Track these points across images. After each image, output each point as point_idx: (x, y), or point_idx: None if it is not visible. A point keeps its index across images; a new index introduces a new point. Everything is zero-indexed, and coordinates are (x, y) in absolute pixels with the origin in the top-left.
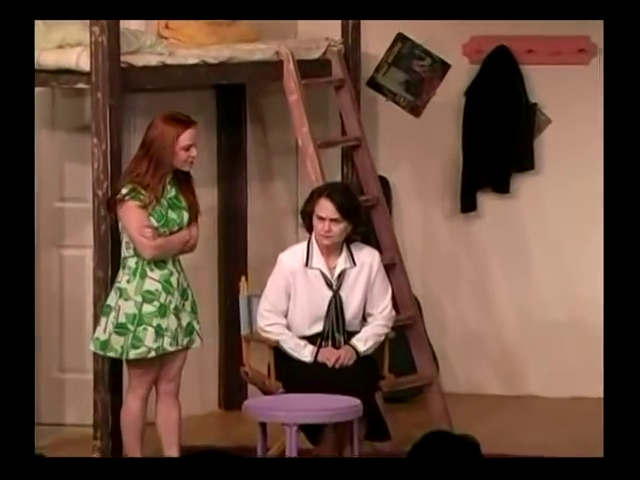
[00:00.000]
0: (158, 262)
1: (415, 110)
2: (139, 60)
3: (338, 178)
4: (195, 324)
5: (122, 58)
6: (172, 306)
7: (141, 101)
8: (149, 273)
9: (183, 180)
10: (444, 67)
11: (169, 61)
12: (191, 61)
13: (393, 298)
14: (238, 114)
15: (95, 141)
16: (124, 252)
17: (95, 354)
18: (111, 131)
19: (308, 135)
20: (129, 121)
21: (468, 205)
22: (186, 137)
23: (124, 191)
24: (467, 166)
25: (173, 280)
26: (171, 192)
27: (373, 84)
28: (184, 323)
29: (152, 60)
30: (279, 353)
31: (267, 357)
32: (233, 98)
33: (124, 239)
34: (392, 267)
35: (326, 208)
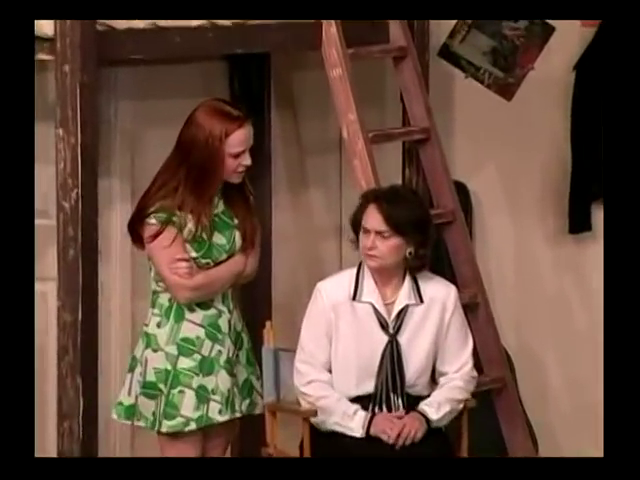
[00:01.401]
0: None
1: (505, 90)
2: (122, 22)
3: (398, 182)
4: (254, 380)
5: None
6: (222, 359)
7: (125, 77)
8: (188, 314)
9: (235, 189)
10: (546, 31)
11: (163, 22)
12: (194, 22)
13: (474, 351)
14: (259, 96)
15: (61, 133)
16: (153, 285)
17: (61, 433)
18: (83, 119)
19: (356, 125)
20: (108, 105)
21: (579, 223)
22: (237, 139)
23: (150, 211)
24: (578, 169)
25: (222, 323)
26: (218, 206)
27: (447, 54)
28: (240, 381)
29: (140, 21)
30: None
31: (300, 433)
32: (252, 74)
33: (153, 269)
34: (474, 308)
35: (372, 217)
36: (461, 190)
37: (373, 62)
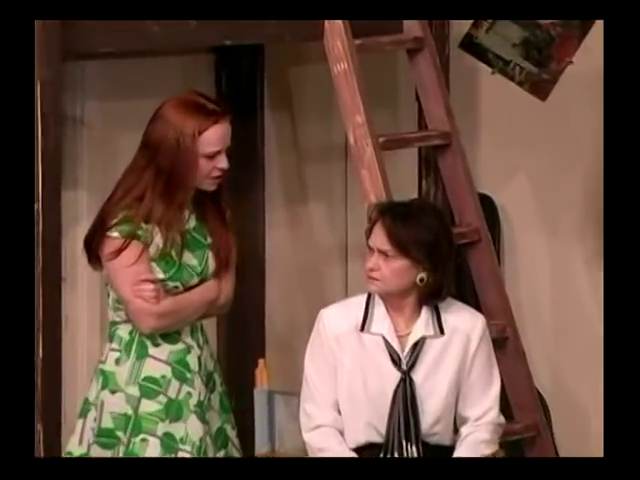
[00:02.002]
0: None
1: (539, 88)
2: None
3: (413, 196)
4: (229, 430)
5: None
6: (192, 402)
7: (94, 73)
8: (152, 350)
9: (209, 202)
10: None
11: None
12: None
13: (503, 394)
14: (251, 94)
15: None
16: (112, 314)
17: None
18: (44, 122)
19: (365, 128)
20: (74, 105)
21: None
22: (212, 137)
23: (112, 223)
24: None
25: (192, 360)
26: (190, 221)
27: (471, 46)
28: (213, 429)
29: None
30: None
31: None
32: (243, 69)
33: (111, 295)
34: (502, 343)
35: (376, 234)
36: (487, 204)
37: (384, 55)
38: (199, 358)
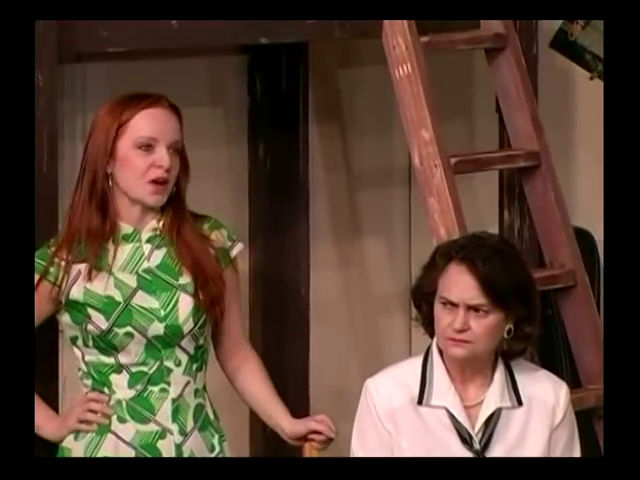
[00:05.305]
0: (136, 401)
1: None
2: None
3: (494, 231)
4: None
5: None
6: None
7: (99, 78)
8: (115, 426)
9: (184, 229)
10: None
11: None
12: None
13: None
14: (292, 105)
15: None
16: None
17: None
18: (37, 137)
19: (433, 147)
20: (73, 118)
21: None
22: (143, 121)
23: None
24: None
25: (165, 447)
26: (152, 258)
27: (564, 45)
28: None
29: None
30: None
31: None
32: (283, 72)
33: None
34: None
35: (461, 284)
36: (585, 241)
37: (457, 56)
38: (178, 447)
